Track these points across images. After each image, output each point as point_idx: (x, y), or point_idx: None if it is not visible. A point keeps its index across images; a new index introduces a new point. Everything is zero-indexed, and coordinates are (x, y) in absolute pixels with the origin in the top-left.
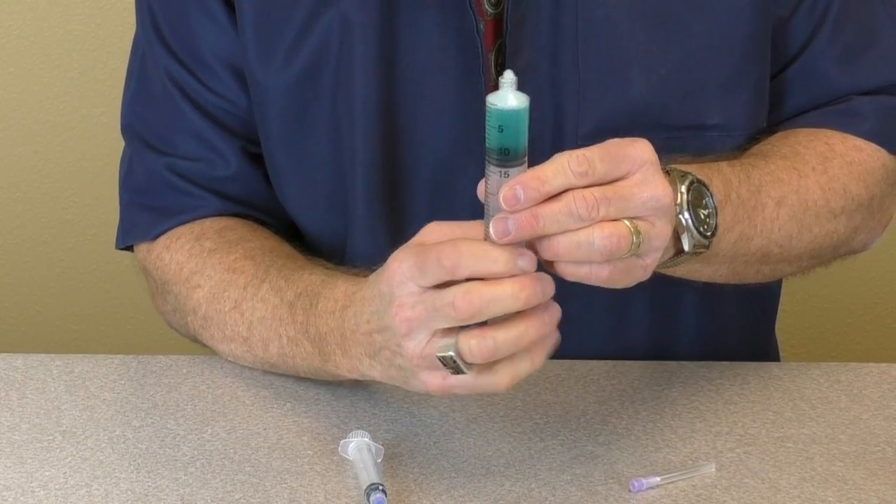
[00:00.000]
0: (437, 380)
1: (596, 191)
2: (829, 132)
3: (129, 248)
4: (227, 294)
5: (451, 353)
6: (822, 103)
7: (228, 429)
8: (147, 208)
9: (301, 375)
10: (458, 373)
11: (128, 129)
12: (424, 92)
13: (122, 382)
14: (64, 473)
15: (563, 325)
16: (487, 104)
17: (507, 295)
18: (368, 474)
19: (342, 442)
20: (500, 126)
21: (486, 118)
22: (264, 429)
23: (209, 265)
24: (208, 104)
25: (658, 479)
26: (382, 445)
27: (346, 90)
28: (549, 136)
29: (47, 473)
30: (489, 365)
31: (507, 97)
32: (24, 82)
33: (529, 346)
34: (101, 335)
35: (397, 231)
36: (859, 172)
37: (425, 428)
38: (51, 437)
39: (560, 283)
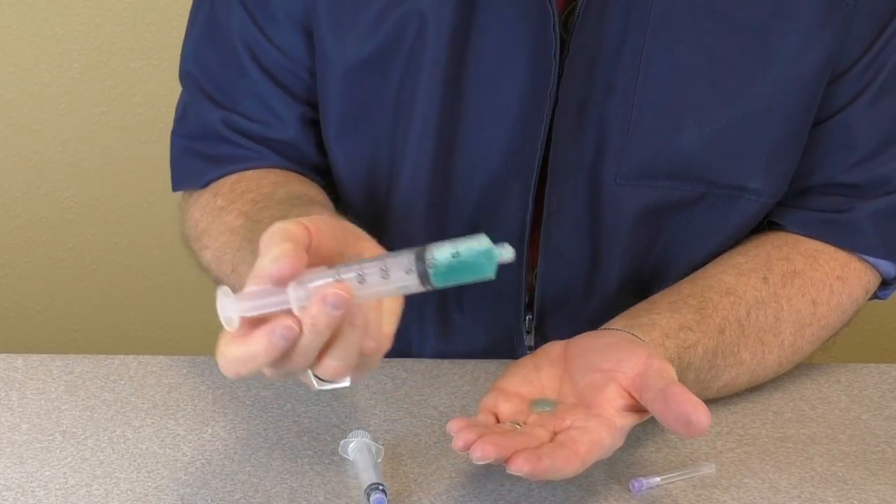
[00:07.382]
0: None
1: None
2: (822, 256)
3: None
4: (226, 258)
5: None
6: (834, 179)
7: (228, 429)
8: (199, 155)
9: None
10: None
11: (187, 75)
12: (488, 103)
13: (122, 382)
14: (64, 473)
15: (561, 331)
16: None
17: (261, 350)
18: (368, 474)
19: (342, 442)
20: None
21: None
22: (264, 429)
23: (215, 226)
24: (274, 65)
25: (658, 479)
26: (382, 445)
27: (412, 88)
28: (586, 170)
29: (47, 473)
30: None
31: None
32: (24, 82)
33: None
34: (101, 335)
35: (434, 238)
36: (837, 311)
37: (425, 428)
38: (51, 437)
39: (551, 296)
